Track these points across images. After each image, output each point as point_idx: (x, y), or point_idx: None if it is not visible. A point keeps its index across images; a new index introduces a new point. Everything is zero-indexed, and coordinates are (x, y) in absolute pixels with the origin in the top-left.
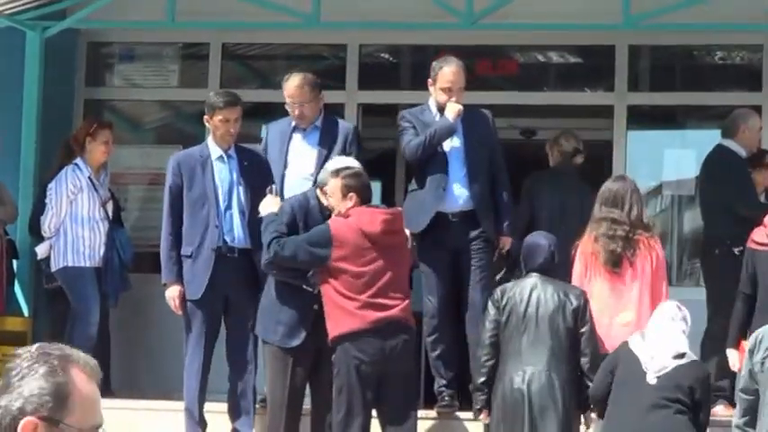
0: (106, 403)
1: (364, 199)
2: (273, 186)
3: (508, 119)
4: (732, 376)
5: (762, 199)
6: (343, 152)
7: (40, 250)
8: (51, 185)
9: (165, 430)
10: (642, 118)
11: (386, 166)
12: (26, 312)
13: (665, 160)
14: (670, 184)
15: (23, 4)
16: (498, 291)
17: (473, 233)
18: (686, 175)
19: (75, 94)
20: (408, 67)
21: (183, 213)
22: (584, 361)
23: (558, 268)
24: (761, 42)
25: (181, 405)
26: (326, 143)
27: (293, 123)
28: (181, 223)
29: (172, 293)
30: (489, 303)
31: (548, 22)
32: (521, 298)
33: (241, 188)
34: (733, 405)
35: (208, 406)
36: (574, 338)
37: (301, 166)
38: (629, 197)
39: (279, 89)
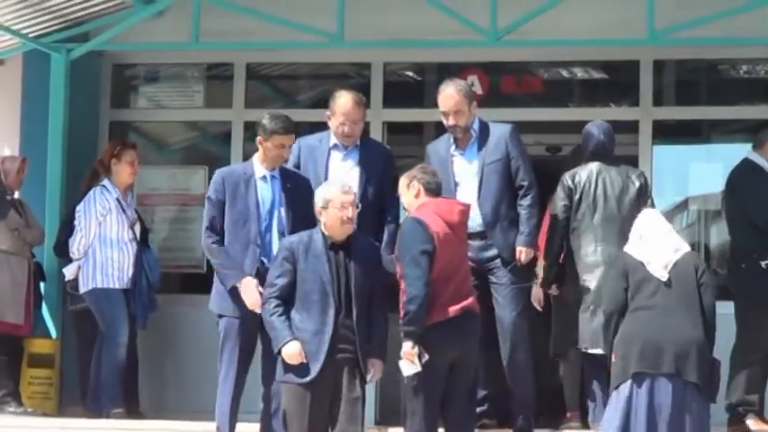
0: (135, 425)
1: (429, 189)
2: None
3: (533, 135)
4: (762, 391)
5: None
6: (383, 175)
7: (68, 271)
8: (80, 207)
9: None
10: (668, 132)
11: None
12: (54, 334)
13: (691, 175)
14: (696, 198)
15: (48, 27)
16: (567, 176)
17: (490, 252)
18: (712, 190)
19: (100, 116)
20: (433, 85)
21: (225, 230)
22: None
23: (612, 153)
24: None
25: (210, 426)
26: (367, 164)
27: (332, 141)
28: (221, 236)
29: (248, 285)
30: (559, 188)
31: (572, 38)
32: (588, 182)
33: (282, 209)
34: (763, 420)
35: (239, 426)
36: (639, 213)
37: None
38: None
39: (303, 108)
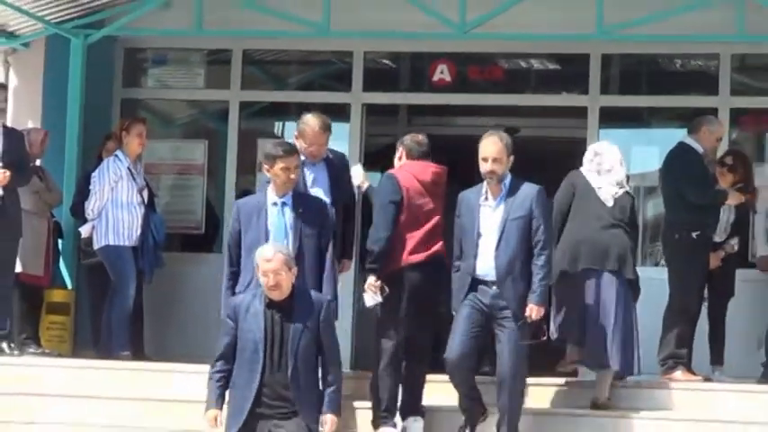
0: (140, 365)
1: (410, 153)
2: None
3: (495, 118)
4: (689, 346)
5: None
6: (346, 180)
7: (84, 230)
8: (95, 174)
9: (190, 389)
10: (613, 118)
11: (387, 159)
12: (69, 286)
13: (632, 155)
14: (636, 176)
15: (68, 14)
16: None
17: (501, 302)
18: (650, 169)
19: (113, 95)
20: (407, 72)
21: (241, 256)
22: None
23: None
24: (717, 51)
25: (205, 368)
26: (333, 175)
27: (302, 157)
28: (238, 264)
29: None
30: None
31: (530, 32)
32: None
33: (292, 234)
34: (690, 371)
35: None
36: None
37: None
38: None
39: (293, 90)
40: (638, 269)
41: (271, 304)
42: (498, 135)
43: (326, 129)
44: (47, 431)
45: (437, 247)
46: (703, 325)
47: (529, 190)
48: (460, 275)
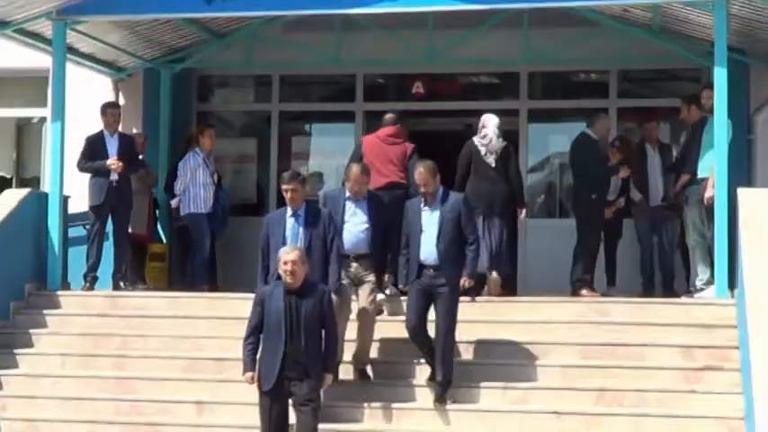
0: (215, 295)
1: (383, 125)
2: None
3: (457, 118)
4: (592, 272)
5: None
6: (380, 213)
7: (174, 202)
8: (180, 164)
9: (248, 310)
10: (536, 116)
11: None
12: (164, 241)
13: (550, 142)
14: (555, 155)
15: (159, 53)
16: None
17: (440, 281)
18: (563, 150)
19: (191, 108)
20: (395, 87)
21: (269, 255)
22: None
23: None
24: (608, 68)
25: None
26: (371, 208)
27: (347, 194)
28: (268, 259)
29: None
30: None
31: (479, 57)
32: None
33: (304, 237)
34: (593, 289)
35: None
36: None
37: (355, 224)
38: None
39: (314, 102)
40: (559, 220)
41: (288, 291)
42: (424, 165)
43: (366, 173)
44: (153, 342)
45: (394, 177)
46: (601, 257)
47: (456, 197)
48: (410, 260)
